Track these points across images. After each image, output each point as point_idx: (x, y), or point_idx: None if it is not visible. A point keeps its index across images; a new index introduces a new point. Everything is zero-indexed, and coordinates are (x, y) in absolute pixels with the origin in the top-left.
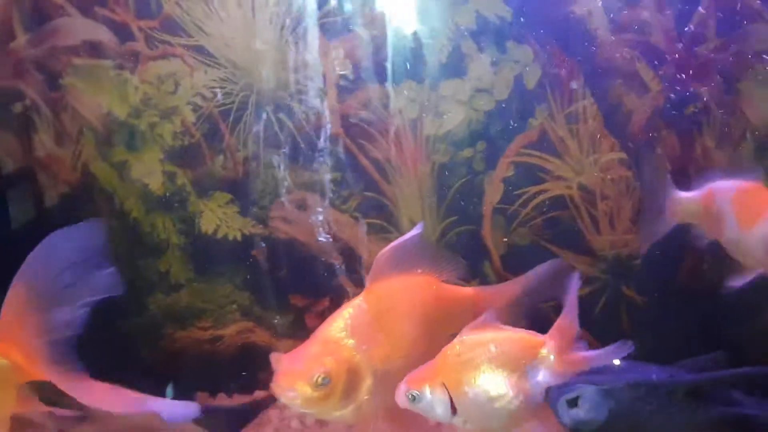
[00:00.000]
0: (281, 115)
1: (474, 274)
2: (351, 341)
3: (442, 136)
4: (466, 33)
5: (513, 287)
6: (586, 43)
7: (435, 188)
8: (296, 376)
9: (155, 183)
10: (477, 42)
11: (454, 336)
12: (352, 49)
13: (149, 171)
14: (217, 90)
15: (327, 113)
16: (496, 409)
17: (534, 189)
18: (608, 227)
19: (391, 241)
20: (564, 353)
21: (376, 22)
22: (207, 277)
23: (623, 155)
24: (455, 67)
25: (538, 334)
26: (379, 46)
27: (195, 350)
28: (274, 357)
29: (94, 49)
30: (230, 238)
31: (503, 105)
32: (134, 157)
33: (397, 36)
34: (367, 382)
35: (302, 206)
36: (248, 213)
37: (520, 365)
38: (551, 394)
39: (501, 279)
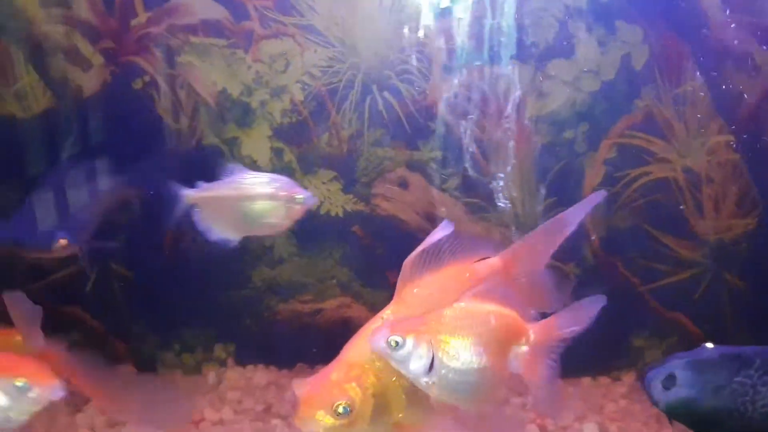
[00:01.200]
0: (386, 94)
1: (573, 256)
2: (378, 363)
3: (544, 117)
4: (575, 12)
5: (533, 240)
6: (698, 24)
7: (536, 169)
8: (316, 405)
9: (263, 159)
10: (585, 22)
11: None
12: (459, 29)
13: (258, 147)
14: (326, 69)
15: (431, 93)
16: (471, 382)
17: (636, 171)
18: (713, 212)
19: (489, 221)
20: (540, 350)
21: (483, 2)
22: (309, 252)
23: (731, 138)
24: (562, 47)
25: (526, 323)
26: (485, 26)
27: (295, 322)
28: (296, 383)
29: (210, 27)
30: (332, 214)
31: (609, 86)
32: (244, 134)
33: (504, 16)
34: (400, 400)
35: (403, 184)
36: (351, 190)
37: (504, 347)
38: (646, 380)
39: (600, 261)
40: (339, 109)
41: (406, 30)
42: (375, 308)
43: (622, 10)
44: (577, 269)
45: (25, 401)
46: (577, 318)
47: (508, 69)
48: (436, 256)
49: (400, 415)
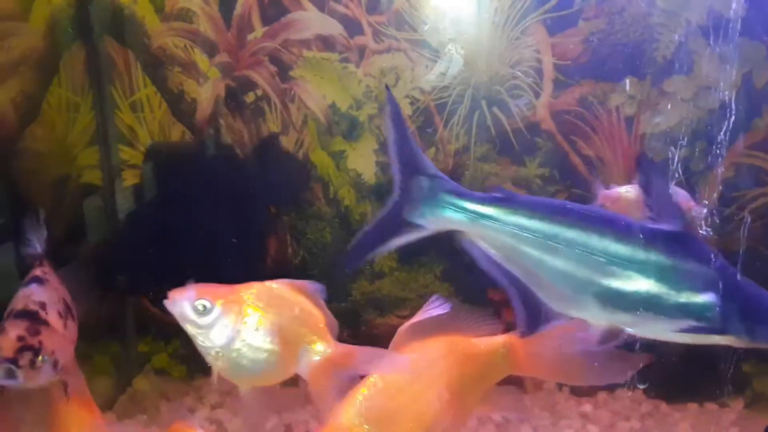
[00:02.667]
0: (495, 109)
1: None
2: (365, 428)
3: (659, 134)
4: (695, 28)
5: (548, 333)
6: None
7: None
8: None
9: (368, 173)
10: (706, 38)
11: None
12: (573, 44)
13: (363, 161)
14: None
15: (541, 108)
16: (259, 362)
17: (755, 192)
18: None
19: None
20: (330, 367)
21: (599, 18)
22: (409, 266)
23: None
24: (681, 63)
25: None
26: (601, 41)
27: (392, 337)
28: None
29: (324, 42)
30: None
31: (728, 104)
32: (351, 147)
33: (623, 31)
34: None
35: None
36: None
37: (298, 341)
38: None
39: None
40: (447, 124)
41: (518, 45)
42: None
43: (745, 26)
44: None
45: None
46: (383, 363)
47: (623, 85)
48: (430, 329)
49: None
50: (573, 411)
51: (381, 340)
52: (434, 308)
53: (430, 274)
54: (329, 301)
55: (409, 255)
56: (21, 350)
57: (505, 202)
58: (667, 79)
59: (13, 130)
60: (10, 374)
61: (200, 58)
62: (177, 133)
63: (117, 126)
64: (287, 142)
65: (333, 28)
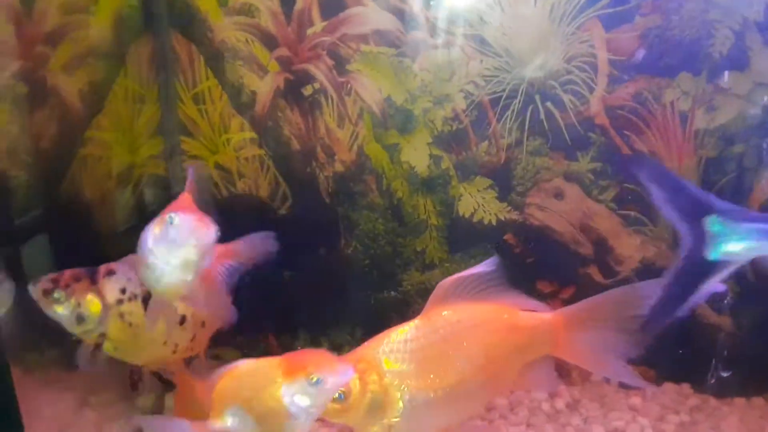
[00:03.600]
0: (548, 104)
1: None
2: (386, 363)
3: (713, 130)
4: (752, 24)
5: (597, 303)
6: None
7: (699, 183)
8: None
9: (421, 166)
10: (763, 34)
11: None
12: (629, 39)
13: (417, 154)
14: (490, 78)
15: (595, 103)
16: None
17: None
18: None
19: (645, 234)
20: None
21: (656, 14)
22: (460, 257)
23: None
24: (736, 59)
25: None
26: (656, 37)
27: None
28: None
29: (381, 37)
30: (485, 222)
31: None
32: (405, 141)
33: (679, 27)
34: (397, 406)
35: (559, 195)
36: (505, 198)
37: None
38: None
39: (761, 280)
40: (500, 119)
41: (573, 41)
42: None
43: None
44: (737, 287)
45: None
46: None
47: (679, 80)
48: (474, 288)
49: (395, 420)
50: (622, 403)
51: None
52: (481, 266)
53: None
54: (380, 291)
55: (459, 246)
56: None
57: None
58: (723, 75)
59: (79, 119)
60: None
61: (261, 52)
62: (236, 125)
63: (179, 117)
64: (343, 135)
65: (390, 23)
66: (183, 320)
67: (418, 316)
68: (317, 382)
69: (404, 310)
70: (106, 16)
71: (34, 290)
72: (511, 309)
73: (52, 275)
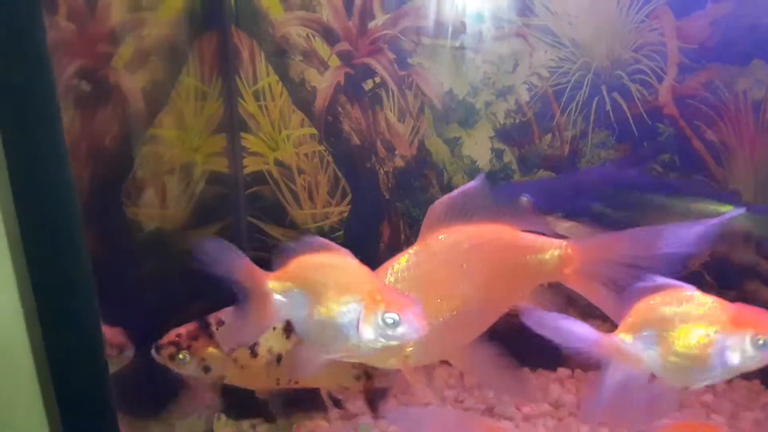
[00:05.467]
0: (615, 95)
1: None
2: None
3: None
4: None
5: (614, 239)
6: None
7: None
8: None
9: (483, 159)
10: None
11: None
12: (702, 27)
13: (479, 148)
14: (555, 69)
15: (664, 93)
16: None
17: None
18: None
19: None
20: None
21: (728, 0)
22: None
23: None
24: None
25: None
26: (729, 24)
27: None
28: None
29: (443, 29)
30: None
31: None
32: (466, 134)
33: (752, 14)
34: None
35: None
36: None
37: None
38: None
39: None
40: (564, 110)
41: (642, 29)
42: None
43: None
44: None
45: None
46: None
47: (753, 68)
48: (466, 208)
49: (409, 349)
50: (692, 400)
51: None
52: (471, 183)
53: None
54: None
55: None
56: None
57: None
58: None
59: (142, 117)
60: None
61: (321, 47)
62: (296, 121)
63: (240, 114)
64: (403, 129)
65: (452, 15)
66: (279, 358)
67: (415, 243)
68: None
69: None
70: (169, 13)
71: (159, 357)
72: (510, 229)
73: (171, 337)
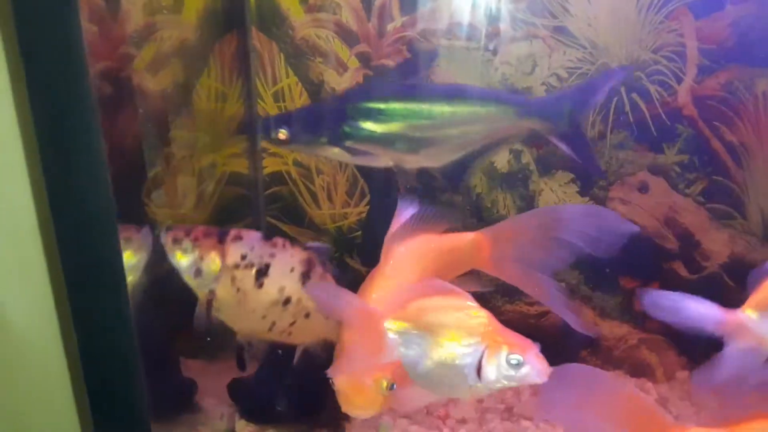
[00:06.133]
0: (634, 96)
1: None
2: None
3: None
4: None
5: (520, 221)
6: None
7: None
8: None
9: (501, 161)
10: None
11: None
12: (721, 28)
13: (497, 148)
14: (573, 70)
15: (683, 94)
16: None
17: None
18: None
19: (735, 228)
20: None
21: (748, 1)
22: None
23: None
24: None
25: None
26: (749, 25)
27: (520, 323)
28: None
29: (461, 30)
30: None
31: None
32: None
33: None
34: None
35: (643, 188)
36: (588, 193)
37: None
38: None
39: None
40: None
41: (661, 30)
42: (604, 312)
43: None
44: None
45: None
46: None
47: None
48: (404, 232)
49: None
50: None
51: (508, 326)
52: (404, 213)
53: None
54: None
55: None
56: None
57: None
58: None
59: (163, 119)
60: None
61: (341, 49)
62: None
63: (259, 115)
64: None
65: (471, 16)
66: (287, 301)
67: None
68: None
69: (482, 306)
70: (191, 16)
71: (165, 236)
72: (436, 236)
73: (186, 226)
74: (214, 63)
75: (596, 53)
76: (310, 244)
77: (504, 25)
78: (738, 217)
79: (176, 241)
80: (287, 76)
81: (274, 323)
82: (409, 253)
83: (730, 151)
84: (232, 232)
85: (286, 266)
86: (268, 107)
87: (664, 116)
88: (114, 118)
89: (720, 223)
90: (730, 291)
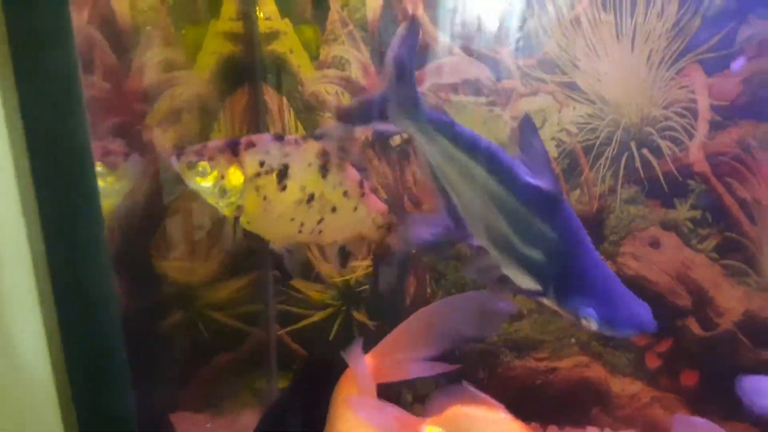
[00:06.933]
0: (644, 151)
1: None
2: None
3: None
4: None
5: (398, 333)
6: None
7: None
8: None
9: None
10: None
11: None
12: (732, 84)
13: None
14: (583, 126)
15: (694, 150)
16: None
17: None
18: None
19: (749, 285)
20: None
21: (761, 57)
22: (548, 309)
23: None
24: None
25: None
26: (761, 81)
27: (529, 380)
28: None
29: (471, 86)
30: None
31: None
32: None
33: None
34: None
35: (655, 244)
36: (598, 248)
37: None
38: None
39: None
40: (593, 166)
41: (672, 86)
42: (616, 369)
43: None
44: None
45: None
46: None
47: None
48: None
49: None
50: None
51: (517, 381)
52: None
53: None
54: (466, 342)
55: None
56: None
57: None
58: None
59: (173, 174)
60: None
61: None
62: None
63: None
64: (431, 185)
65: (481, 72)
66: (310, 198)
67: None
68: None
69: (492, 362)
70: (203, 72)
71: (178, 164)
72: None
73: (195, 147)
74: (225, 118)
75: (606, 109)
76: (319, 131)
77: (514, 81)
78: (753, 274)
79: (191, 166)
80: (297, 131)
81: (302, 224)
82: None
83: (743, 207)
84: (244, 141)
85: (303, 163)
86: None
87: (675, 172)
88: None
89: (734, 279)
90: (744, 349)
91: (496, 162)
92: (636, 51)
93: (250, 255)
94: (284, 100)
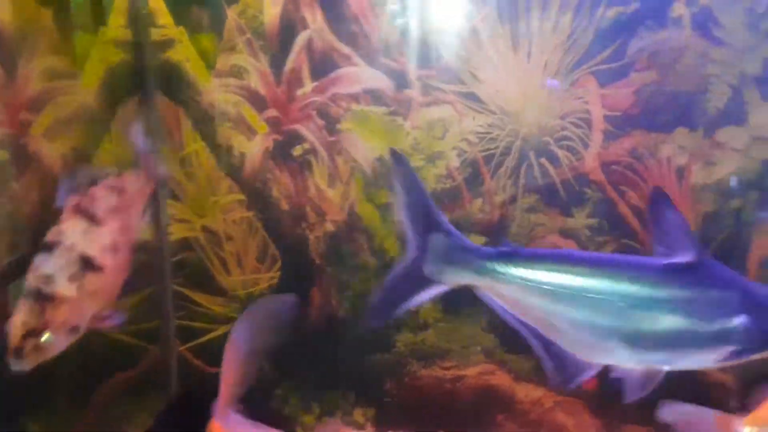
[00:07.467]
0: (543, 160)
1: None
2: None
3: (711, 185)
4: (750, 79)
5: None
6: None
7: (698, 239)
8: None
9: None
10: (760, 89)
11: None
12: (624, 95)
13: None
14: (483, 135)
15: (590, 159)
16: None
17: None
18: None
19: None
20: None
21: (651, 69)
22: (453, 318)
23: None
24: (734, 114)
25: None
26: (652, 92)
27: (436, 389)
28: None
29: (372, 95)
30: None
31: None
32: None
33: (675, 82)
34: None
35: None
36: None
37: None
38: None
39: None
40: (494, 175)
41: (567, 97)
42: (520, 376)
43: None
44: None
45: None
46: None
47: (676, 135)
48: None
49: None
50: None
51: (425, 391)
52: None
53: (475, 325)
54: (373, 353)
55: (453, 305)
56: (25, 337)
57: (509, 255)
58: (720, 130)
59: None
60: (17, 363)
61: (250, 113)
62: (225, 187)
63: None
64: (333, 195)
65: (381, 82)
66: None
67: None
68: None
69: (398, 371)
70: (92, 81)
71: (24, 360)
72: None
73: (16, 332)
74: (117, 128)
75: (505, 119)
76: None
77: (414, 91)
78: None
79: (37, 349)
80: (194, 141)
81: None
82: None
83: (637, 214)
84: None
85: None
86: (174, 172)
87: (573, 181)
88: (11, 185)
89: None
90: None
91: (603, 264)
92: (533, 61)
93: (147, 268)
94: (180, 110)
